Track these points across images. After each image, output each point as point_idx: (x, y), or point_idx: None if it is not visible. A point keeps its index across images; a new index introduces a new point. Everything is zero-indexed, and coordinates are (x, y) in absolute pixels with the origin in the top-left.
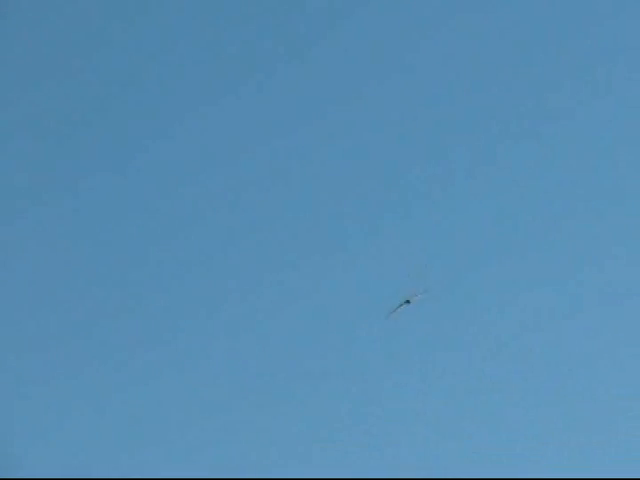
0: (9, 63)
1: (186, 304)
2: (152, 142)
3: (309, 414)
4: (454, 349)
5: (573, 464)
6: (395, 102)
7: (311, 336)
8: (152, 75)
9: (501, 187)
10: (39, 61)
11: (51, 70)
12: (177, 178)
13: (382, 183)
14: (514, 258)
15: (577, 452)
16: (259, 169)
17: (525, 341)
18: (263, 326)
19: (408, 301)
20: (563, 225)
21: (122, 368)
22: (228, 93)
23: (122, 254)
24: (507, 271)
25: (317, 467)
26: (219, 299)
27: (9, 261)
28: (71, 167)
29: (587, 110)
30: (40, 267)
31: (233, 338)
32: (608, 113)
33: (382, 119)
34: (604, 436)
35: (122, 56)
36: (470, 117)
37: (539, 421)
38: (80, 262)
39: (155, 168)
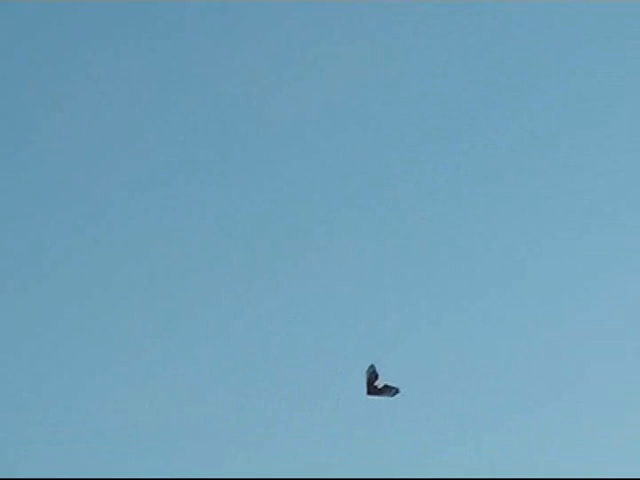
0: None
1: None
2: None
3: (308, 413)
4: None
5: (573, 464)
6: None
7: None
8: None
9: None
10: None
11: None
12: None
13: None
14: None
15: (577, 452)
16: None
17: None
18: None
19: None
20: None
21: (120, 366)
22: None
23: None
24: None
25: (317, 467)
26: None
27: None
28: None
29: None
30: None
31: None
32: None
33: None
34: (604, 436)
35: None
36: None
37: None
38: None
39: None
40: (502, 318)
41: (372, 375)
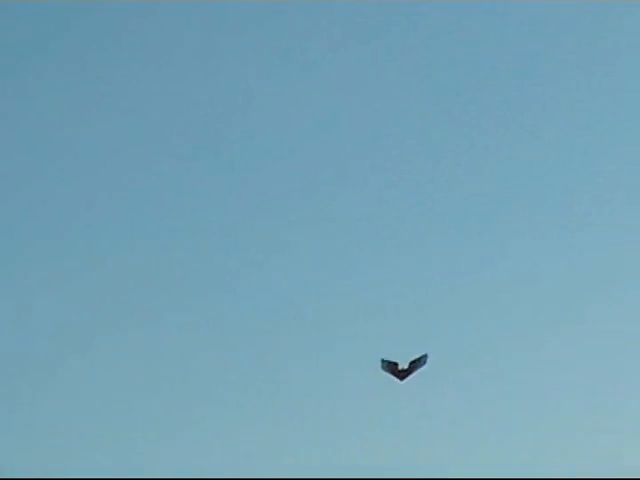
0: None
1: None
2: None
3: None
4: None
5: (572, 464)
6: None
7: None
8: None
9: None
10: None
11: None
12: None
13: None
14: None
15: (576, 452)
16: None
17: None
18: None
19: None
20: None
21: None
22: None
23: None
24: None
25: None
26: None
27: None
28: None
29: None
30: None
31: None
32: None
33: None
34: (604, 435)
35: None
36: None
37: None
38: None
39: None
40: (503, 317)
41: (390, 366)
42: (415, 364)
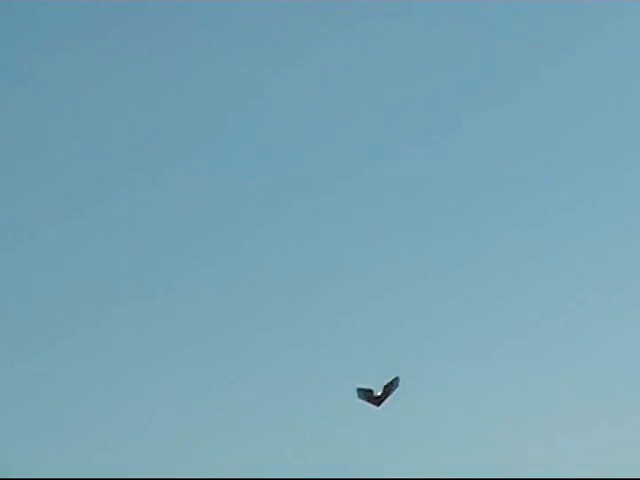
0: None
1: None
2: None
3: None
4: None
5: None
6: None
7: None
8: None
9: None
10: None
11: None
12: None
13: None
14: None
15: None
16: None
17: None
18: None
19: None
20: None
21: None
22: None
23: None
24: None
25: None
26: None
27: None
28: None
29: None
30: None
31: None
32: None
33: None
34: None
35: None
36: None
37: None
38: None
39: None
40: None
41: (366, 394)
42: (389, 388)
